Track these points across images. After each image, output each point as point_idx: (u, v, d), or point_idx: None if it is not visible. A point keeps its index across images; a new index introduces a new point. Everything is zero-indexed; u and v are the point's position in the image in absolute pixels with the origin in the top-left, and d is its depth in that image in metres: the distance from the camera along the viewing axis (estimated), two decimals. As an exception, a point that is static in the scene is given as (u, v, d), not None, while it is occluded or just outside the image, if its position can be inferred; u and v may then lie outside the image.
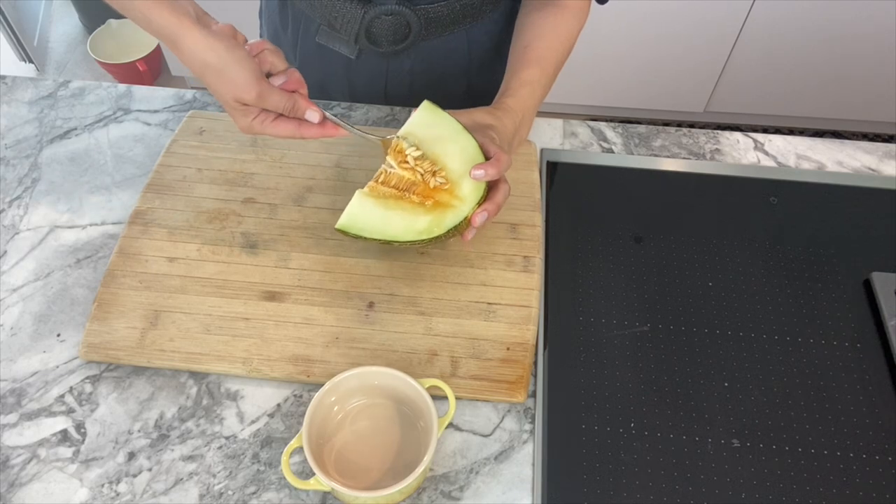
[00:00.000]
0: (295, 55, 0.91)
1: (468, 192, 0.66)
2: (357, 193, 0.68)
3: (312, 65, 0.90)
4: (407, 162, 0.67)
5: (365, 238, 0.67)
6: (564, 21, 0.77)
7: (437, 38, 0.84)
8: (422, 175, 0.66)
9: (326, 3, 0.81)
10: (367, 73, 0.89)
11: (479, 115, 0.71)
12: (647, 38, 1.88)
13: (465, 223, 0.66)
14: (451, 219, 0.66)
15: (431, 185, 0.66)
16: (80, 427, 0.62)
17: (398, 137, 0.68)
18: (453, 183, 0.67)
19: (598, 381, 0.65)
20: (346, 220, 0.67)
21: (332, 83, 0.91)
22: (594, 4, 0.81)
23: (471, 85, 0.92)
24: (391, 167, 0.67)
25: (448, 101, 0.90)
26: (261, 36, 1.01)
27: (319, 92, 0.92)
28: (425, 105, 0.69)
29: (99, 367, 0.66)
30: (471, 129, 0.69)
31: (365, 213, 0.67)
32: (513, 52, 0.78)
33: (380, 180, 0.68)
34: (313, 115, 0.64)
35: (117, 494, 0.58)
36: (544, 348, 0.67)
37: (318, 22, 0.85)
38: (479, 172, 0.64)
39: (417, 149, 0.67)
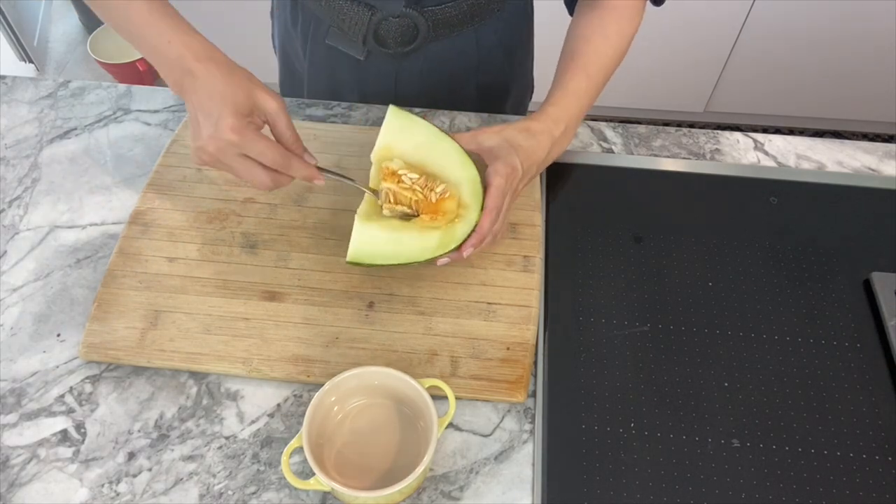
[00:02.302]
0: (305, 55, 0.91)
1: (467, 197, 0.66)
2: (357, 221, 0.65)
3: (322, 65, 0.90)
4: (404, 182, 0.66)
5: (380, 265, 0.65)
6: (613, 22, 0.73)
7: (446, 39, 0.84)
8: (422, 191, 0.65)
9: (334, 5, 0.81)
10: (377, 75, 0.89)
11: (511, 132, 0.68)
12: (646, 38, 1.87)
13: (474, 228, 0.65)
14: (462, 228, 0.65)
15: (434, 200, 0.65)
16: (80, 427, 0.62)
17: (384, 163, 0.66)
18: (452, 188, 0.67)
19: (598, 381, 0.65)
20: (356, 252, 0.65)
21: (343, 84, 0.91)
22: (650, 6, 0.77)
23: (480, 84, 0.92)
24: (393, 188, 0.66)
25: (458, 101, 0.91)
26: (273, 36, 1.01)
27: (330, 93, 0.92)
28: (392, 111, 0.68)
29: (99, 367, 0.66)
30: (495, 150, 0.67)
31: (373, 241, 0.65)
32: (561, 59, 0.75)
33: (392, 201, 0.66)
34: (311, 159, 0.64)
35: (117, 494, 0.58)
36: (544, 348, 0.67)
37: (327, 23, 0.85)
38: (468, 251, 0.64)
39: (411, 172, 0.66)
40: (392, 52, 0.84)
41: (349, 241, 0.65)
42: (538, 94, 1.05)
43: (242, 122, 0.58)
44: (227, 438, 0.62)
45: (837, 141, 0.86)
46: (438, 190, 0.65)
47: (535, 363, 0.66)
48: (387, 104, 0.87)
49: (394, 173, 0.66)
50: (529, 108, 1.05)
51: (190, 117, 0.60)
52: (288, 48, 0.95)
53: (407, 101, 0.89)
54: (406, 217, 0.67)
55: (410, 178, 0.66)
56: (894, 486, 0.59)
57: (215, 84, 0.58)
